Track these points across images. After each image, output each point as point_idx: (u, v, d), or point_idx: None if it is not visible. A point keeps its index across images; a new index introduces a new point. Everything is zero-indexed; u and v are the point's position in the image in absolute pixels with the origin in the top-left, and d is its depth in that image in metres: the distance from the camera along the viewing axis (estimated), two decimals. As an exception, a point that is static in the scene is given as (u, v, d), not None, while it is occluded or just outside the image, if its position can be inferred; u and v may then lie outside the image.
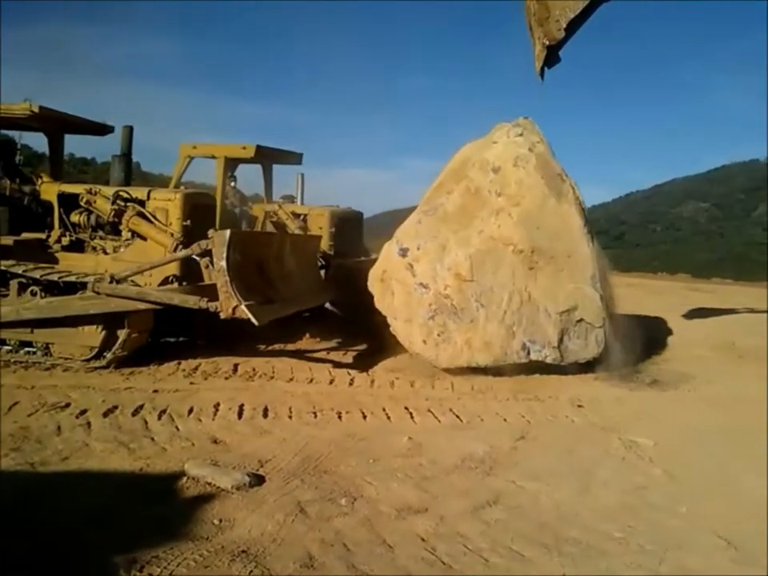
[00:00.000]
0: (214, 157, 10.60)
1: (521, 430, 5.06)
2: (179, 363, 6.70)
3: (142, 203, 7.48)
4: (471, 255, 7.05)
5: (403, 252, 7.24)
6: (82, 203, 7.55)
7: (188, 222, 7.39)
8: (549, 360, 6.80)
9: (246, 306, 5.76)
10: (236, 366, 6.74)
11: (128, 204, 7.38)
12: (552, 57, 7.28)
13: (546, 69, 7.40)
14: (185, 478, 3.77)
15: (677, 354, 8.54)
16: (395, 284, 7.22)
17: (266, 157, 11.04)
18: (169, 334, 7.59)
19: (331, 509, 3.47)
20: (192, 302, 6.07)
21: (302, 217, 9.96)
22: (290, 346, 7.93)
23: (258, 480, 3.77)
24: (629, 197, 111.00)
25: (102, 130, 9.19)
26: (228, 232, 5.99)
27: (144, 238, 7.25)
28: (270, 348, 7.78)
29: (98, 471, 3.88)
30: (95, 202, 7.52)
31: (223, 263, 5.84)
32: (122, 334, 6.41)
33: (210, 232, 6.16)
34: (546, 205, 7.24)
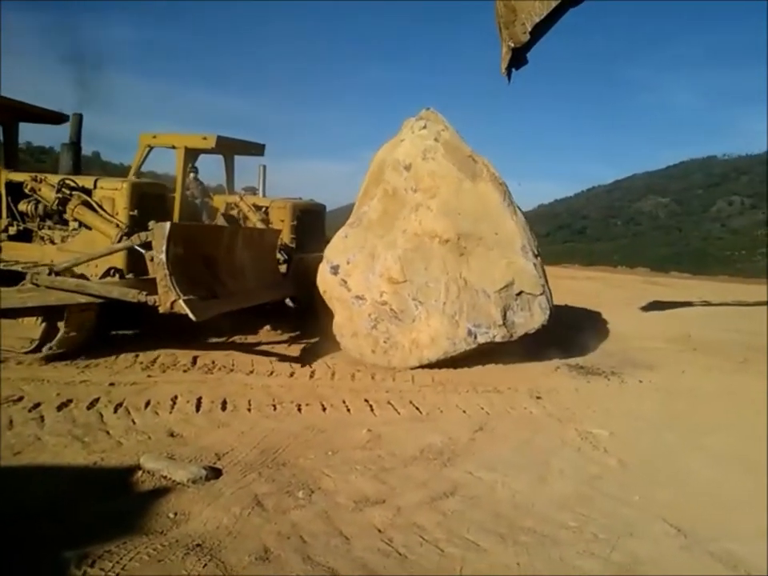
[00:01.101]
0: (174, 147, 10.45)
1: (479, 422, 5.10)
2: (137, 356, 6.60)
3: (88, 192, 7.32)
4: (400, 256, 7.09)
5: (334, 270, 7.28)
6: (26, 191, 7.38)
7: (135, 211, 7.25)
8: (498, 339, 6.86)
9: (185, 300, 5.65)
10: (195, 358, 6.67)
11: (73, 193, 7.22)
12: (519, 59, 7.36)
13: (513, 70, 7.48)
14: (140, 472, 3.72)
15: (634, 346, 8.68)
16: (335, 302, 7.28)
17: (227, 148, 10.90)
18: (122, 326, 7.46)
19: (288, 501, 3.46)
20: (131, 295, 5.93)
21: (263, 209, 9.87)
22: (251, 339, 7.88)
23: (214, 473, 3.74)
24: (590, 191, 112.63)
25: (58, 118, 8.98)
26: (168, 224, 5.86)
27: (90, 228, 7.10)
28: (230, 341, 7.72)
29: (50, 465, 3.80)
30: (40, 189, 7.35)
31: (162, 256, 5.72)
32: (61, 327, 6.26)
33: (151, 224, 6.04)
34: (462, 189, 7.28)
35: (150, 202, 7.66)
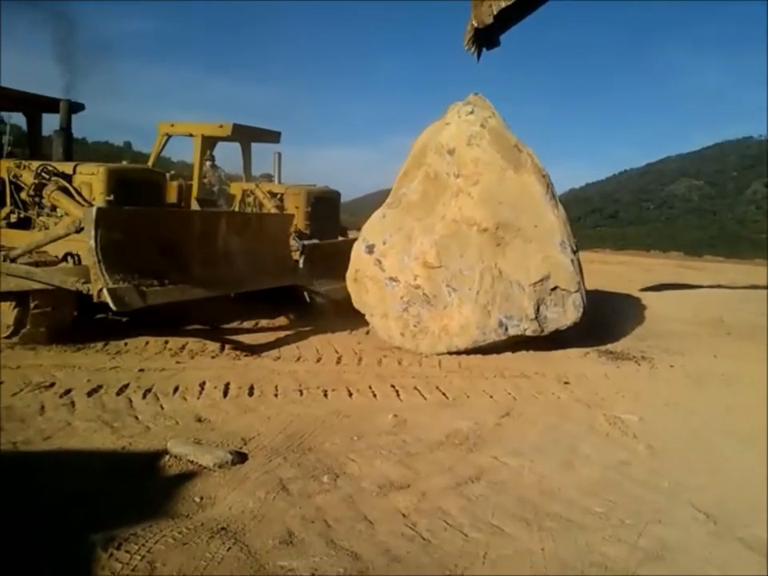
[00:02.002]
0: (191, 135, 10.57)
1: (506, 407, 5.07)
2: (166, 342, 6.67)
3: (68, 178, 7.30)
4: (436, 241, 7.03)
5: (369, 249, 7.25)
6: (10, 178, 7.43)
7: (111, 197, 7.22)
8: (529, 332, 6.79)
9: (109, 289, 5.56)
10: (223, 345, 6.72)
11: (52, 178, 7.20)
12: (489, 41, 7.33)
13: (484, 50, 7.45)
14: (167, 457, 3.76)
15: (665, 330, 8.55)
16: (367, 281, 7.24)
17: (244, 135, 11.00)
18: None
19: (313, 486, 3.47)
20: (69, 282, 5.89)
21: (278, 196, 9.91)
22: (277, 324, 7.91)
23: (240, 458, 3.77)
24: (622, 175, 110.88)
25: (77, 108, 9.04)
26: (94, 209, 5.76)
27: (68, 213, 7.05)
28: (258, 328, 7.77)
29: (80, 450, 3.86)
30: (21, 176, 7.39)
31: (92, 242, 5.64)
32: (30, 311, 6.25)
33: (83, 209, 6.00)
34: (505, 178, 7.18)
35: (134, 187, 7.57)
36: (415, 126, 8.03)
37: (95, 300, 5.76)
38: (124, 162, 10.02)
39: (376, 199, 8.37)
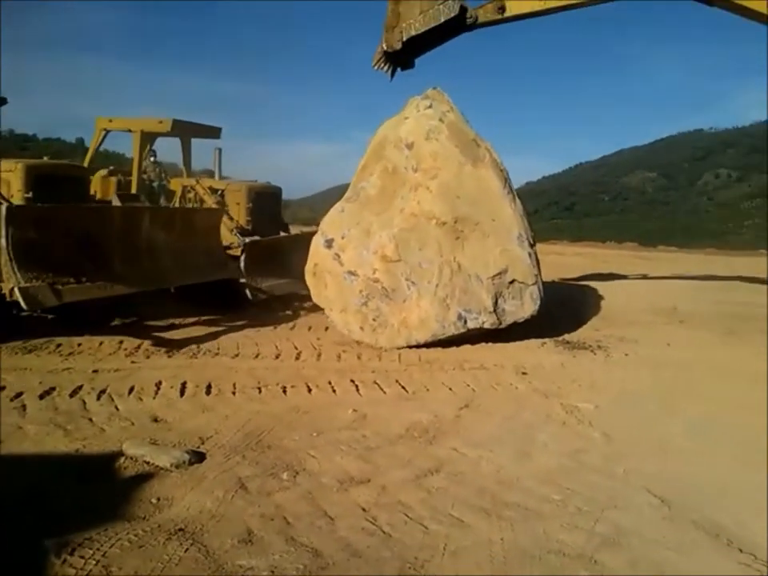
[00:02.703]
0: (130, 131, 10.43)
1: (465, 399, 5.10)
2: (121, 342, 6.56)
3: None
4: (395, 235, 7.03)
5: (328, 243, 7.22)
6: None
7: (30, 193, 7.10)
8: (487, 325, 6.85)
9: (21, 288, 5.48)
10: (179, 343, 6.63)
11: None
12: (403, 62, 7.52)
13: (398, 70, 7.65)
14: (122, 458, 3.69)
15: (620, 320, 8.70)
16: (326, 275, 7.22)
17: (184, 131, 10.88)
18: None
19: (272, 483, 3.45)
20: None
21: (219, 192, 9.84)
22: (238, 323, 7.84)
23: (198, 457, 3.72)
24: (577, 168, 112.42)
25: None
26: (4, 207, 5.68)
27: None
28: (217, 324, 7.70)
29: (32, 454, 3.77)
30: None
31: (3, 241, 5.55)
32: None
33: None
34: (464, 172, 7.20)
35: (55, 183, 7.47)
36: (377, 120, 8.03)
37: (8, 299, 5.65)
38: (45, 158, 9.80)
39: (337, 194, 8.35)
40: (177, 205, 10.05)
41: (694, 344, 7.46)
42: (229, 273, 8.25)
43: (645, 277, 14.57)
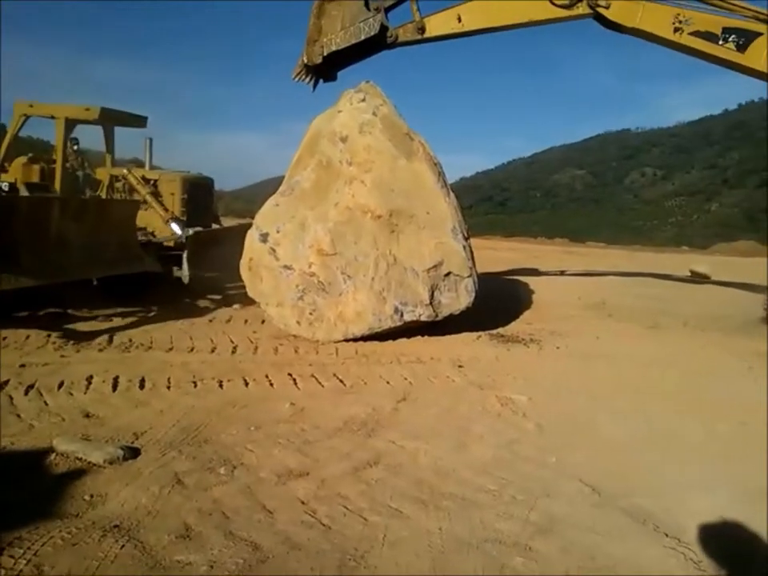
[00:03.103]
0: (53, 117, 10.03)
1: (402, 392, 5.15)
2: (49, 335, 6.35)
3: None
4: (330, 229, 7.02)
5: (263, 237, 7.15)
6: None
7: None
8: (424, 318, 6.92)
9: None
10: (111, 337, 6.47)
11: None
12: (325, 75, 7.69)
13: (321, 81, 7.82)
14: (53, 455, 3.58)
15: (552, 314, 8.93)
16: (262, 270, 7.15)
17: (111, 119, 10.53)
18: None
19: (210, 478, 3.41)
20: None
21: (152, 182, 9.62)
22: (171, 316, 7.70)
23: (132, 453, 3.64)
24: (511, 164, 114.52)
25: None
26: None
27: None
28: (149, 317, 7.54)
29: (-44, 453, 3.63)
30: None
31: None
32: None
33: None
34: (398, 166, 7.23)
35: None
36: (310, 111, 8.05)
37: None
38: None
39: (272, 186, 8.27)
40: (104, 195, 9.76)
41: (621, 337, 7.72)
42: (144, 266, 8.07)
43: (575, 272, 14.97)
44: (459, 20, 7.94)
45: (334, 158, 7.31)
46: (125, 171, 9.60)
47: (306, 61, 7.59)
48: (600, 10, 7.82)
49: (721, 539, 3.03)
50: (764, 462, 3.87)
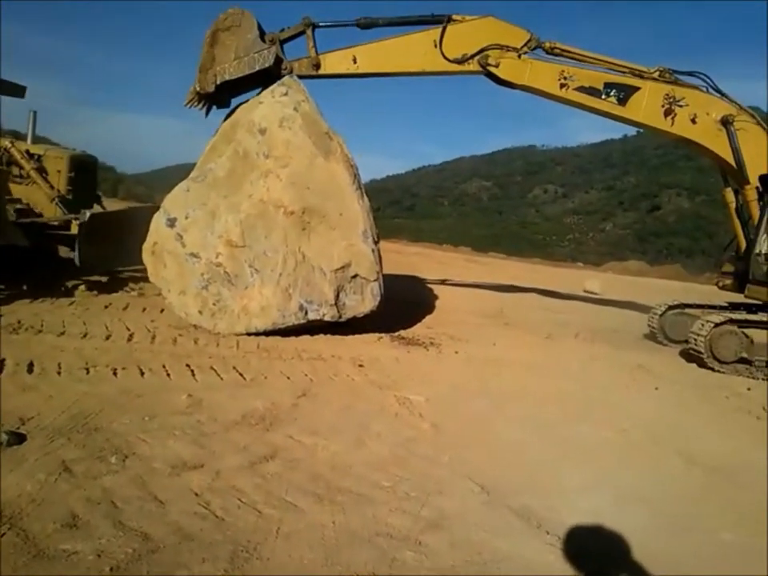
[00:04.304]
0: None
1: (303, 388, 5.16)
2: (-73, 314, 5.97)
3: None
4: (242, 221, 6.95)
5: (171, 222, 6.98)
6: None
7: None
8: (327, 318, 6.95)
9: None
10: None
11: None
12: (218, 101, 7.80)
13: (214, 107, 7.93)
14: (-71, 438, 3.39)
15: (452, 319, 9.16)
16: (166, 255, 6.98)
17: None
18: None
19: (100, 467, 3.31)
20: None
21: (36, 157, 9.18)
22: (63, 300, 7.39)
23: (17, 438, 3.49)
24: (421, 170, 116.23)
25: None
26: None
27: None
28: (40, 300, 7.22)
29: None
30: None
31: None
32: None
33: None
34: (315, 164, 7.23)
35: None
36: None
37: None
38: None
39: (175, 173, 8.08)
40: None
41: (517, 345, 8.01)
42: (10, 239, 7.58)
43: (476, 280, 15.38)
44: (354, 61, 8.17)
45: (251, 149, 7.22)
46: (6, 143, 9.05)
47: (198, 88, 7.57)
48: (490, 68, 8.35)
49: (590, 539, 3.22)
50: (642, 468, 4.15)
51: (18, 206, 8.29)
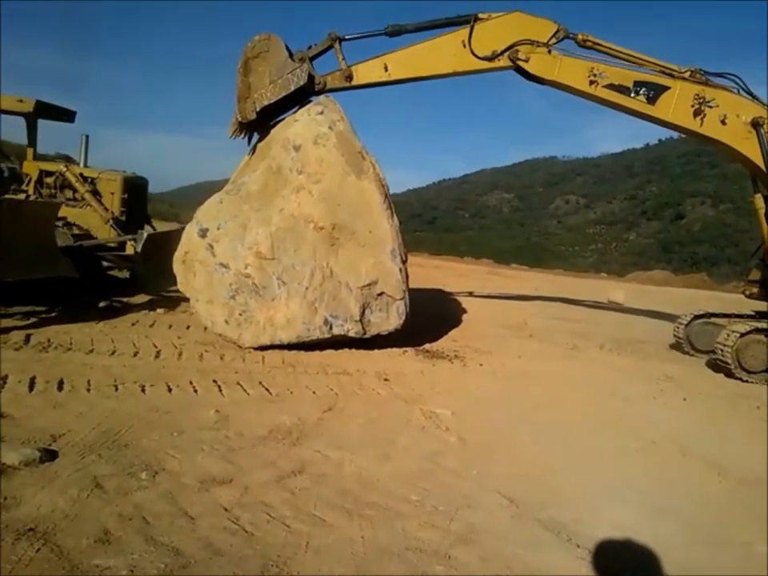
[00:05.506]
0: None
1: (328, 402, 5.18)
2: (-40, 333, 6.09)
3: None
4: (272, 233, 7.00)
5: (203, 232, 7.07)
6: None
7: None
8: (352, 334, 6.98)
9: None
10: (28, 336, 6.25)
11: None
12: (259, 127, 7.89)
13: (254, 134, 8.03)
14: (-36, 456, 3.44)
15: (476, 332, 9.14)
16: (196, 264, 7.05)
17: (43, 112, 10.13)
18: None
19: (131, 483, 3.35)
20: None
21: (90, 180, 9.36)
22: (92, 319, 7.48)
23: (49, 455, 3.54)
24: (441, 183, 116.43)
25: None
26: None
27: None
28: (69, 318, 7.31)
29: None
30: None
31: None
32: None
33: None
34: (347, 182, 7.28)
35: None
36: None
37: None
38: None
39: (198, 191, 8.21)
40: (31, 191, 9.38)
41: (542, 356, 7.97)
42: (59, 271, 7.73)
43: (499, 292, 15.33)
44: (386, 69, 8.16)
45: (284, 164, 7.30)
46: (62, 168, 9.26)
47: (240, 119, 7.68)
48: (520, 63, 8.27)
49: (621, 552, 3.19)
50: (671, 480, 4.10)
51: (76, 231, 8.47)
